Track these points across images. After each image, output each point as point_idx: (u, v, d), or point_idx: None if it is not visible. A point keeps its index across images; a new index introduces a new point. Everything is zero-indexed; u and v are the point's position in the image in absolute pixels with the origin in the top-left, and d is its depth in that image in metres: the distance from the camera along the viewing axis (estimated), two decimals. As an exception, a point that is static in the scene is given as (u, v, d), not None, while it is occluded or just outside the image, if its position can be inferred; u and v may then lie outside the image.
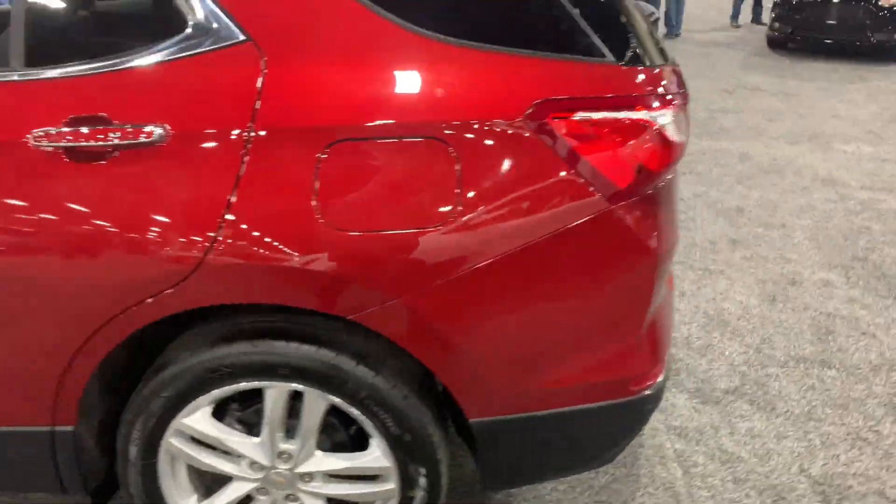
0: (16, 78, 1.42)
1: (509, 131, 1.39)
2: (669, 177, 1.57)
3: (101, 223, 1.41)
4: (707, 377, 2.70)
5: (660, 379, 1.67)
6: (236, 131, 1.37)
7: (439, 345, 1.50)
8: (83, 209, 1.41)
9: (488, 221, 1.41)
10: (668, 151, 1.48)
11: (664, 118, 1.45)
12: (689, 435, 2.39)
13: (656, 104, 1.44)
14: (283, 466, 1.65)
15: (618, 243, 1.48)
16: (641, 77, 1.45)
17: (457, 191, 1.39)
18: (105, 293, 1.44)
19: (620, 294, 1.53)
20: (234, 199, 1.38)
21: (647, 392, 1.63)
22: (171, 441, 1.62)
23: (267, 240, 1.39)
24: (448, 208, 1.39)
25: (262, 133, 1.37)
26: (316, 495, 1.69)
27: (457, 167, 1.39)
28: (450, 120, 1.38)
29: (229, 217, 1.39)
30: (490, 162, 1.40)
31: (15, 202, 1.41)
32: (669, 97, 1.47)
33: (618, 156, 1.43)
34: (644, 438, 2.37)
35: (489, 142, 1.39)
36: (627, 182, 1.44)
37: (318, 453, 1.65)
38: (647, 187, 1.49)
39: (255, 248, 1.39)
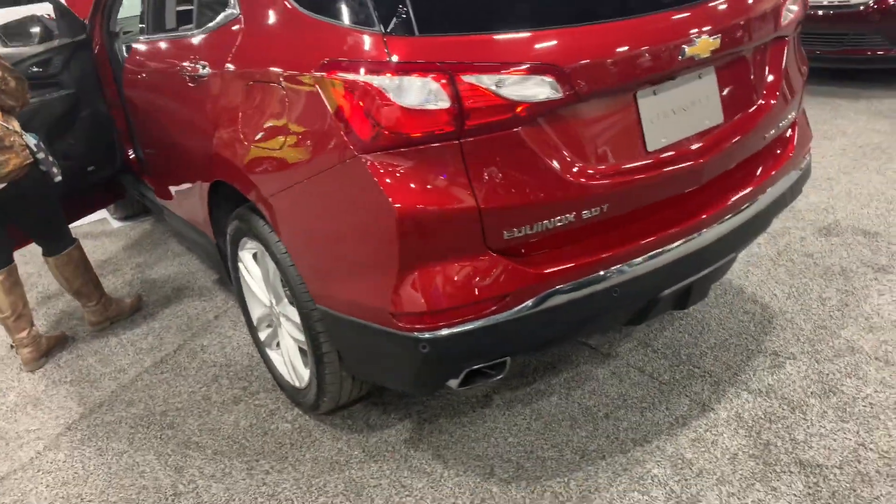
0: (178, 34, 2.55)
1: (309, 82, 1.80)
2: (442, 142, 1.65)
3: (198, 122, 2.45)
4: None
5: (441, 332, 1.77)
6: (221, 70, 2.19)
7: (286, 239, 2.05)
8: (194, 113, 2.47)
9: (295, 151, 1.87)
10: (398, 115, 1.61)
11: (388, 83, 1.60)
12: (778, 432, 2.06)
13: (381, 70, 1.60)
14: (274, 302, 2.45)
15: (362, 190, 1.71)
16: (377, 44, 1.63)
17: (284, 124, 1.90)
18: (202, 159, 2.49)
19: (366, 235, 1.75)
20: (218, 113, 2.23)
21: (417, 335, 1.77)
22: (240, 264, 2.60)
23: (225, 141, 2.20)
24: (281, 137, 1.92)
25: (231, 71, 2.15)
26: (289, 334, 2.43)
27: (285, 107, 1.89)
28: (284, 70, 1.88)
29: (218, 124, 2.24)
30: (299, 105, 1.85)
31: (175, 107, 2.59)
32: (406, 64, 1.59)
33: (360, 112, 1.67)
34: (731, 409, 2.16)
35: (300, 89, 1.84)
36: (367, 136, 1.66)
37: (285, 302, 2.39)
38: (397, 145, 1.65)
39: (222, 146, 2.22)
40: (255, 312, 2.70)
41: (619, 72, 1.77)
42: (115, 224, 4.68)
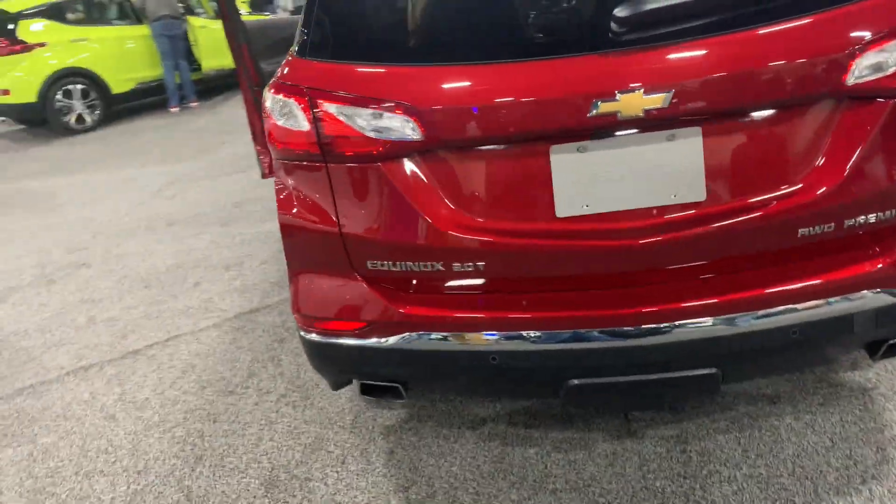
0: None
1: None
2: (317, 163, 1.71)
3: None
4: None
5: (316, 338, 1.88)
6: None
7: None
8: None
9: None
10: (275, 130, 1.72)
11: (269, 100, 1.72)
12: None
13: (273, 88, 1.72)
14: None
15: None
16: (285, 64, 1.73)
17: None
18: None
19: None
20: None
21: (302, 334, 1.92)
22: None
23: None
24: None
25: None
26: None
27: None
28: None
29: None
30: None
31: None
32: (284, 85, 1.69)
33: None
34: None
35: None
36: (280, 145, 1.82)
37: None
38: (285, 157, 1.78)
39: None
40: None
41: (500, 122, 1.55)
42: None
